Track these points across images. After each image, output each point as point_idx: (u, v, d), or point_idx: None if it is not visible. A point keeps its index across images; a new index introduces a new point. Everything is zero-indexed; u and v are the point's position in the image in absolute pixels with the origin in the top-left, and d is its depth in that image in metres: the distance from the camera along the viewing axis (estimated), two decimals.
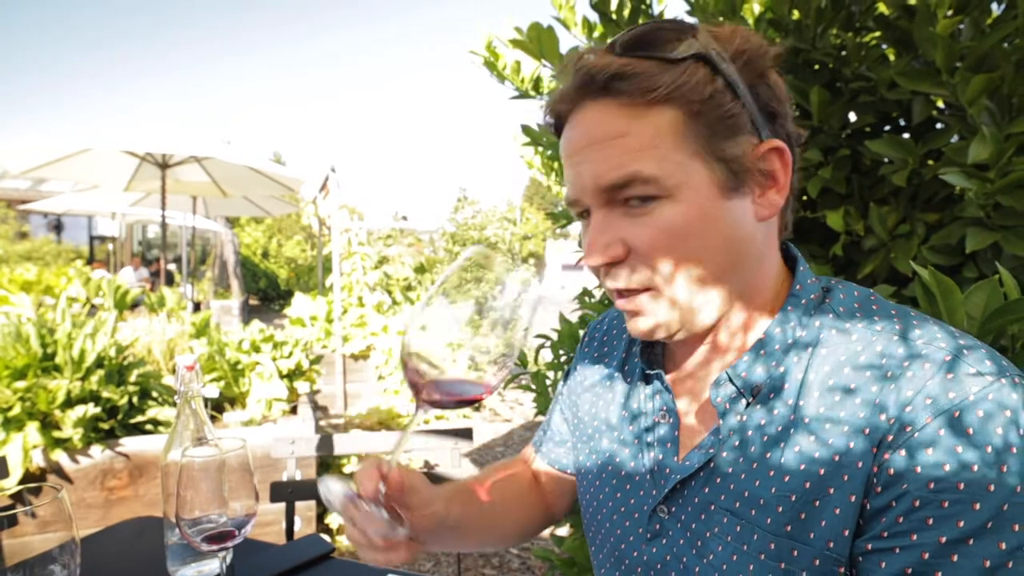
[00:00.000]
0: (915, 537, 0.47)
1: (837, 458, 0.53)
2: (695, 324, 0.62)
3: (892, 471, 0.49)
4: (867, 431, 0.52)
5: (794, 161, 0.62)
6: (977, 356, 0.51)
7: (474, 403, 0.62)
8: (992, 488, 0.45)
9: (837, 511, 0.52)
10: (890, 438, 0.50)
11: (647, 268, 0.60)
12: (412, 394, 0.60)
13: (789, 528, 0.54)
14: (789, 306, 0.62)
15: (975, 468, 0.46)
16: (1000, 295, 0.75)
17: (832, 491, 0.53)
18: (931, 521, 0.47)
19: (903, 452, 0.49)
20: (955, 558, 0.45)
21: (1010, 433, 0.47)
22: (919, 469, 0.48)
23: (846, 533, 0.52)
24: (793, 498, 0.55)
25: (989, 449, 0.46)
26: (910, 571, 0.47)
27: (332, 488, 0.61)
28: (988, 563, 0.44)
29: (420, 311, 0.60)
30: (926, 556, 0.46)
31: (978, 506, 0.45)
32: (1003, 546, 0.44)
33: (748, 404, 0.61)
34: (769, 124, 0.61)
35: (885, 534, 0.49)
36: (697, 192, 0.58)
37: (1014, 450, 0.46)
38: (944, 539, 0.46)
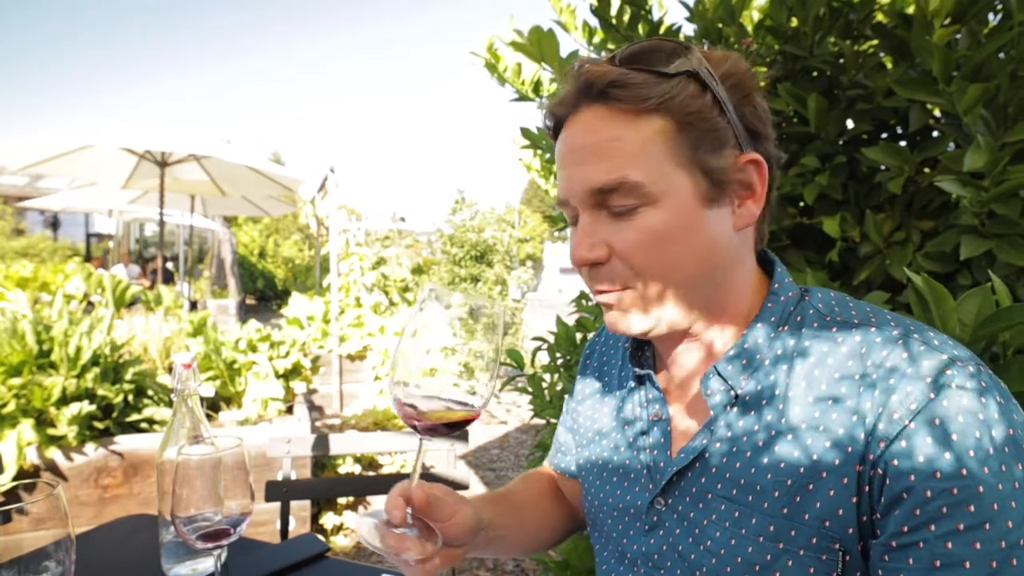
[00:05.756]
0: (933, 528, 0.49)
1: (828, 443, 0.56)
2: (669, 324, 0.65)
3: (895, 462, 0.51)
4: (856, 417, 0.55)
5: (772, 179, 0.66)
6: (945, 343, 0.55)
7: (466, 422, 0.65)
8: (987, 471, 0.48)
9: (831, 492, 0.55)
10: (881, 426, 0.53)
11: (628, 270, 0.63)
12: (413, 429, 0.64)
13: (786, 511, 0.57)
14: (770, 303, 0.66)
15: (972, 453, 0.49)
16: (992, 302, 0.76)
17: (825, 474, 0.55)
18: (945, 510, 0.49)
19: (903, 443, 0.51)
20: (977, 545, 0.48)
21: (990, 418, 0.50)
22: (921, 459, 0.50)
23: (840, 512, 0.54)
24: (789, 482, 0.58)
25: (977, 433, 0.49)
26: (939, 563, 0.49)
27: (363, 523, 0.64)
28: (1004, 543, 0.48)
29: (397, 350, 0.65)
30: (949, 546, 0.49)
31: (982, 489, 0.48)
32: (1009, 524, 0.48)
33: (737, 396, 0.64)
34: (752, 142, 0.64)
35: (905, 528, 0.51)
36: (679, 200, 0.61)
37: (994, 432, 0.49)
38: (962, 526, 0.48)
